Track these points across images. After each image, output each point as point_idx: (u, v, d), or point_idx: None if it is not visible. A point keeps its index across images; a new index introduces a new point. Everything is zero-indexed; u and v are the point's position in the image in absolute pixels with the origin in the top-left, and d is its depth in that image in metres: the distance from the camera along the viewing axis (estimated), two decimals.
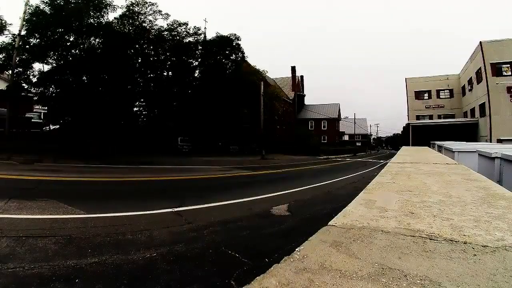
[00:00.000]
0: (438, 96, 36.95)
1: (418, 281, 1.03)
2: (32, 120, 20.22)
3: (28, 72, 18.60)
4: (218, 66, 25.82)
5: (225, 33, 26.51)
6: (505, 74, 24.37)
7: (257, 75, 28.33)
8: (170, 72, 26.01)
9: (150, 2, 21.97)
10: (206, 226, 4.45)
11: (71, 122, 20.21)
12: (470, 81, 30.62)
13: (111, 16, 22.06)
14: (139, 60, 23.48)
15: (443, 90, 36.64)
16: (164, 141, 22.77)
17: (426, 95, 37.56)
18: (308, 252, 1.29)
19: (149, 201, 5.99)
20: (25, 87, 19.12)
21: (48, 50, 18.31)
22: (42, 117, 22.29)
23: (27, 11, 17.72)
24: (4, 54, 17.87)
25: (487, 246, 1.35)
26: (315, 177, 12.05)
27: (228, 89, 24.21)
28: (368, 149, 62.31)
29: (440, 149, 11.68)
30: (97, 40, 19.99)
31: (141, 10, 21.96)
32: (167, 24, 23.88)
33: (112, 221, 4.44)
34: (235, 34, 25.90)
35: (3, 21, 17.65)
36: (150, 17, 22.53)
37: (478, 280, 1.05)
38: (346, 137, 65.97)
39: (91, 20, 19.36)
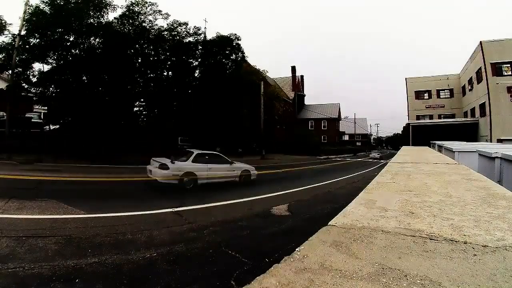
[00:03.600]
0: (438, 96, 36.94)
1: (418, 281, 1.03)
2: (32, 120, 20.17)
3: (28, 72, 18.58)
4: (218, 66, 25.80)
5: (225, 33, 26.50)
6: (505, 74, 24.37)
7: (257, 75, 28.32)
8: (170, 72, 25.98)
9: (150, 2, 21.94)
10: (206, 226, 4.45)
11: (71, 122, 20.18)
12: (470, 81, 30.63)
13: (111, 16, 22.03)
14: (139, 60, 23.44)
15: (443, 90, 36.65)
16: (164, 141, 22.76)
17: (426, 95, 37.55)
18: (308, 252, 1.29)
19: (149, 201, 5.99)
20: (25, 87, 19.09)
21: (48, 50, 18.29)
22: (42, 117, 22.26)
23: (27, 11, 17.70)
24: (4, 54, 17.85)
25: (487, 246, 1.35)
26: (315, 177, 12.04)
27: (228, 89, 24.21)
28: (369, 149, 62.30)
29: (440, 149, 11.67)
30: (97, 40, 19.96)
31: (141, 10, 21.92)
32: (167, 24, 23.83)
33: (112, 221, 4.44)
34: (235, 34, 25.88)
35: (3, 21, 17.63)
36: (150, 17, 22.47)
37: (478, 280, 1.04)
38: (346, 137, 65.95)
39: (91, 20, 19.34)
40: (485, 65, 25.06)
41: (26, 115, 19.22)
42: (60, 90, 19.42)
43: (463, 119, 32.00)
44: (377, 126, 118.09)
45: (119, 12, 20.91)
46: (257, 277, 1.06)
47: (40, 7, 17.74)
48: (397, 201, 2.23)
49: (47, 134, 20.23)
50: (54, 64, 19.07)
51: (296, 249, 1.31)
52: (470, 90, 31.13)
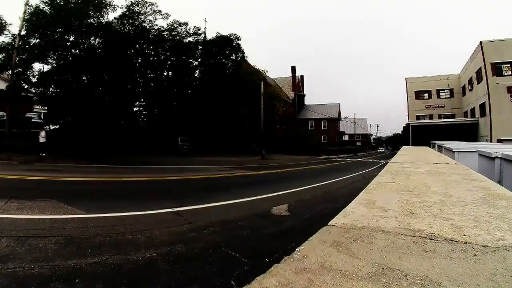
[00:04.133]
0: (438, 96, 36.95)
1: (418, 281, 1.03)
2: (32, 120, 20.14)
3: (28, 72, 18.58)
4: (218, 66, 25.80)
5: (225, 33, 26.52)
6: (505, 74, 24.38)
7: (257, 75, 28.31)
8: (170, 72, 26.01)
9: (150, 2, 21.95)
10: (206, 226, 4.45)
11: (71, 122, 20.20)
12: (470, 81, 30.63)
13: (111, 16, 22.03)
14: (139, 60, 23.45)
15: (443, 90, 36.66)
16: (164, 141, 22.76)
17: (426, 95, 37.56)
18: (308, 252, 1.29)
19: (149, 201, 5.99)
20: (25, 87, 19.09)
21: (48, 50, 18.29)
22: (42, 117, 22.25)
23: (27, 11, 17.69)
24: (4, 54, 17.85)
25: (487, 246, 1.35)
26: (315, 177, 12.04)
27: (228, 89, 24.20)
28: (369, 149, 62.34)
29: (440, 149, 11.68)
30: (97, 40, 19.97)
31: (141, 10, 21.94)
32: (167, 24, 23.87)
33: (112, 221, 4.44)
34: (235, 34, 25.90)
35: (3, 21, 17.63)
36: (150, 17, 22.51)
37: (478, 280, 1.05)
38: (346, 137, 65.98)
39: (91, 20, 19.35)
40: (485, 65, 25.07)
41: (26, 115, 19.21)
42: (60, 90, 19.43)
43: (463, 119, 32.01)
44: (377, 126, 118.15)
45: (119, 12, 20.93)
46: (257, 277, 1.06)
47: (40, 7, 17.76)
48: (397, 201, 2.24)
49: (47, 134, 20.23)
50: (54, 64, 19.09)
51: (296, 249, 1.31)
52: (470, 90, 31.13)
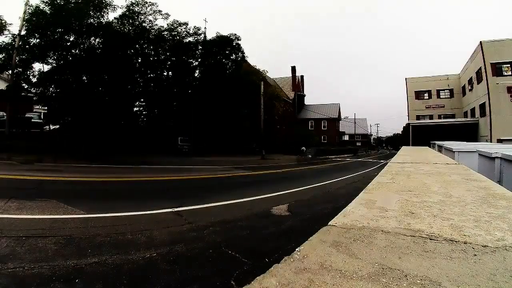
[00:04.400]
0: (438, 96, 36.94)
1: (418, 281, 1.03)
2: (32, 120, 20.14)
3: (28, 72, 18.62)
4: (218, 66, 25.81)
5: (225, 32, 26.55)
6: (505, 74, 24.37)
7: (257, 75, 28.31)
8: (170, 72, 26.02)
9: (150, 2, 21.99)
10: (206, 226, 4.44)
11: (71, 122, 20.21)
12: (470, 81, 30.63)
13: (111, 16, 22.06)
14: (139, 60, 23.48)
15: (443, 90, 36.64)
16: (164, 141, 22.77)
17: (426, 95, 37.55)
18: (308, 252, 1.29)
19: (149, 201, 5.98)
20: (25, 87, 19.12)
21: (48, 50, 18.31)
22: (42, 117, 22.26)
23: (27, 11, 17.72)
24: (4, 54, 17.87)
25: (487, 246, 1.35)
26: (315, 177, 12.04)
27: (228, 89, 24.21)
28: (369, 149, 62.36)
29: (440, 149, 11.68)
30: (97, 40, 20.00)
31: (141, 10, 21.97)
32: (167, 24, 23.90)
33: (112, 221, 4.44)
34: (235, 34, 25.93)
35: (3, 21, 17.65)
36: (150, 17, 22.55)
37: (478, 280, 1.05)
38: (346, 137, 66.00)
39: (91, 20, 19.38)
40: (485, 65, 25.06)
41: (26, 115, 19.22)
42: (60, 90, 19.46)
43: (463, 119, 32.00)
44: (377, 126, 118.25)
45: (119, 12, 20.97)
46: (257, 277, 1.06)
47: (40, 7, 17.78)
48: (397, 201, 2.24)
49: (47, 134, 20.24)
50: (54, 64, 19.11)
51: (296, 249, 1.31)
52: (470, 90, 31.13)
